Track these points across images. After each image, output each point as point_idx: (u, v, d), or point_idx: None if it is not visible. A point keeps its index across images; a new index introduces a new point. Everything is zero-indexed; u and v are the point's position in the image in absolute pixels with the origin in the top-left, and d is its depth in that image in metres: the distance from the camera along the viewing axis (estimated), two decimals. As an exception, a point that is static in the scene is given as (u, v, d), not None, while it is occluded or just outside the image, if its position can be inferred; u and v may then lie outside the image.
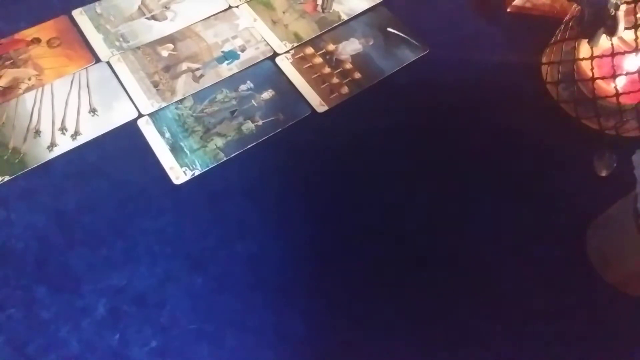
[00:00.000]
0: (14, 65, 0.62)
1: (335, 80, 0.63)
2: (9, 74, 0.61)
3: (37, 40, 0.64)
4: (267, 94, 0.62)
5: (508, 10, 0.70)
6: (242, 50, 0.65)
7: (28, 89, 0.60)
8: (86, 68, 0.62)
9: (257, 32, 0.67)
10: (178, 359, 0.46)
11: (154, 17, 0.67)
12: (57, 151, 0.56)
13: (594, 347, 0.48)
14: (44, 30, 0.65)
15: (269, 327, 0.48)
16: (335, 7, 0.70)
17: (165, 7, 0.68)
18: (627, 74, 0.56)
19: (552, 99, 0.63)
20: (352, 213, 0.54)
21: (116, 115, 0.59)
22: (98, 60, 0.63)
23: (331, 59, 0.65)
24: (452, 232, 0.54)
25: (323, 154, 0.58)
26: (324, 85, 0.63)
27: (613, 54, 0.54)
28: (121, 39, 0.64)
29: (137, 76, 0.62)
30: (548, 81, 0.63)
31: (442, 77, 0.65)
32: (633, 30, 0.52)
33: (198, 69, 0.63)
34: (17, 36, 0.64)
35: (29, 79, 0.60)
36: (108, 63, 0.62)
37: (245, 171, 0.56)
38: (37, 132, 0.57)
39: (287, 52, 0.65)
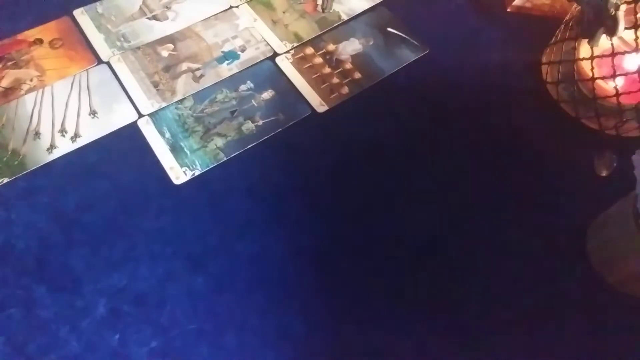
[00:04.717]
0: (16, 66, 0.62)
1: (335, 80, 0.63)
2: (11, 75, 0.61)
3: (39, 41, 0.64)
4: (267, 94, 0.62)
5: (508, 10, 0.70)
6: (242, 50, 0.65)
7: (30, 90, 0.60)
8: (87, 70, 0.62)
9: (257, 32, 0.67)
10: (178, 359, 0.46)
11: (155, 17, 0.67)
12: (57, 153, 0.56)
13: (593, 347, 0.48)
14: (46, 31, 0.65)
15: (269, 327, 0.48)
16: (335, 7, 0.70)
17: (167, 7, 0.68)
18: (627, 74, 0.56)
19: (552, 99, 0.63)
20: (352, 213, 0.54)
21: (116, 118, 0.59)
22: (100, 61, 0.63)
23: (331, 59, 0.65)
24: (452, 231, 0.54)
25: (323, 154, 0.58)
26: (324, 85, 0.63)
27: (613, 54, 0.54)
28: (122, 39, 0.65)
29: (137, 76, 0.62)
30: (548, 81, 0.63)
31: (442, 77, 0.65)
32: (633, 30, 0.52)
33: (198, 69, 0.63)
34: (19, 37, 0.64)
35: (31, 80, 0.61)
36: (108, 63, 0.62)
37: (245, 171, 0.56)
38: (37, 134, 0.57)
39: (287, 52, 0.65)
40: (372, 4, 0.70)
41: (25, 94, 0.60)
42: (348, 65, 0.65)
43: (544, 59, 0.64)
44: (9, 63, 0.62)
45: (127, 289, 0.49)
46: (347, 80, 0.63)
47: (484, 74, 0.65)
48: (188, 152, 0.57)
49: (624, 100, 0.56)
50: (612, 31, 0.52)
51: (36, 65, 0.62)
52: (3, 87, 0.60)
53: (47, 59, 0.62)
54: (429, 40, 0.67)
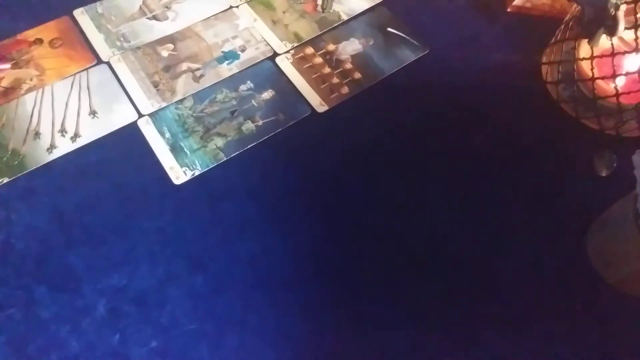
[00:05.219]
0: (16, 65, 0.62)
1: (335, 80, 0.63)
2: (11, 75, 0.61)
3: (39, 41, 0.64)
4: (267, 94, 0.62)
5: (508, 10, 0.70)
6: (242, 50, 0.65)
7: (30, 90, 0.60)
8: (87, 70, 0.62)
9: (257, 32, 0.67)
10: (178, 359, 0.46)
11: (155, 17, 0.67)
12: (57, 153, 0.56)
13: (594, 347, 0.48)
14: (46, 31, 0.65)
15: (269, 326, 0.48)
16: (335, 7, 0.70)
17: (167, 7, 0.68)
18: (627, 74, 0.56)
19: (552, 99, 0.63)
20: (352, 213, 0.54)
21: (116, 118, 0.59)
22: (100, 61, 0.63)
23: (331, 59, 0.65)
24: (452, 232, 0.54)
25: (323, 154, 0.58)
26: (324, 85, 0.63)
27: (613, 54, 0.54)
28: (122, 39, 0.65)
29: (137, 76, 0.62)
30: (548, 81, 0.63)
31: (442, 77, 0.65)
32: (633, 30, 0.52)
33: (198, 69, 0.63)
34: (19, 37, 0.64)
35: (31, 80, 0.61)
36: (108, 63, 0.62)
37: (245, 171, 0.56)
38: (37, 134, 0.57)
39: (287, 52, 0.65)
40: (372, 4, 0.70)
41: (25, 93, 0.59)
42: (348, 65, 0.65)
43: (544, 59, 0.64)
44: (10, 63, 0.62)
45: (127, 289, 0.49)
46: (347, 80, 0.63)
47: (484, 74, 0.65)
48: (188, 152, 0.57)
49: (624, 100, 0.56)
50: (612, 31, 0.52)
51: (36, 65, 0.62)
52: (3, 87, 0.60)
53: (47, 59, 0.62)
54: (429, 40, 0.67)
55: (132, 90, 0.61)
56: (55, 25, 0.65)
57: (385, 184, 0.56)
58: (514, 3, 0.69)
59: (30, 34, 0.64)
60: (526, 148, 0.59)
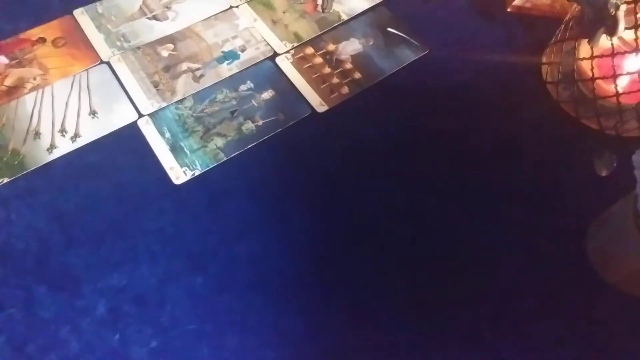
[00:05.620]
0: (20, 64, 0.62)
1: (335, 80, 0.63)
2: (15, 74, 0.61)
3: (42, 40, 0.64)
4: (267, 94, 0.62)
5: (508, 10, 0.70)
6: (242, 50, 0.65)
7: (33, 89, 0.60)
8: (87, 70, 0.62)
9: (257, 32, 0.67)
10: (178, 359, 0.46)
11: (155, 17, 0.67)
12: (57, 153, 0.56)
13: (593, 347, 0.48)
14: (49, 30, 0.65)
15: (269, 327, 0.48)
16: (335, 7, 0.70)
17: (167, 7, 0.68)
18: (627, 74, 0.56)
19: (552, 99, 0.63)
20: (352, 213, 0.54)
21: (116, 118, 0.59)
22: (100, 61, 0.63)
23: (331, 59, 0.65)
24: (452, 232, 0.54)
25: (323, 154, 0.58)
26: (324, 85, 0.63)
27: (613, 54, 0.54)
28: (122, 39, 0.65)
29: (137, 76, 0.62)
30: (548, 81, 0.63)
31: (442, 77, 0.65)
32: (633, 30, 0.52)
33: (198, 69, 0.63)
34: (22, 36, 0.64)
35: (34, 79, 0.61)
36: (108, 63, 0.62)
37: (245, 171, 0.56)
38: (37, 134, 0.57)
39: (287, 52, 0.65)
40: (372, 4, 0.70)
41: (29, 92, 0.59)
42: (348, 65, 0.65)
43: (544, 59, 0.64)
44: (13, 62, 0.62)
45: (127, 289, 0.49)
46: (347, 80, 0.63)
47: (484, 74, 0.65)
48: (188, 152, 0.57)
49: (624, 100, 0.56)
50: (612, 31, 0.52)
51: (39, 64, 0.62)
52: (7, 86, 0.60)
53: (50, 58, 0.62)
54: (429, 40, 0.67)
55: (132, 90, 0.61)
56: (58, 24, 0.65)
57: (385, 183, 0.56)
58: (514, 3, 0.69)
59: (33, 33, 0.64)
60: (526, 148, 0.59)
